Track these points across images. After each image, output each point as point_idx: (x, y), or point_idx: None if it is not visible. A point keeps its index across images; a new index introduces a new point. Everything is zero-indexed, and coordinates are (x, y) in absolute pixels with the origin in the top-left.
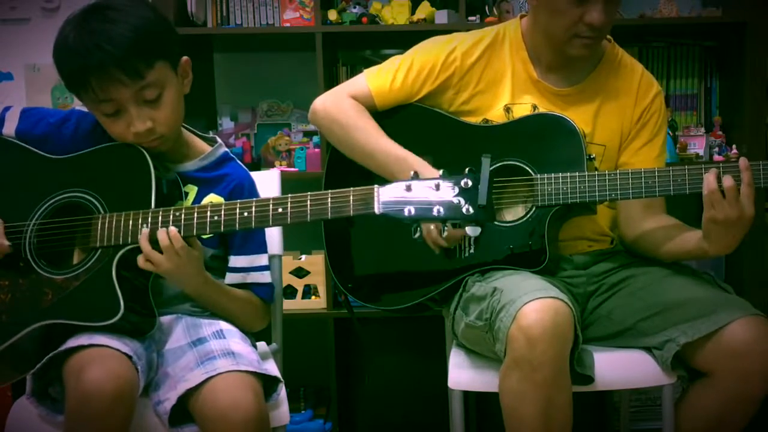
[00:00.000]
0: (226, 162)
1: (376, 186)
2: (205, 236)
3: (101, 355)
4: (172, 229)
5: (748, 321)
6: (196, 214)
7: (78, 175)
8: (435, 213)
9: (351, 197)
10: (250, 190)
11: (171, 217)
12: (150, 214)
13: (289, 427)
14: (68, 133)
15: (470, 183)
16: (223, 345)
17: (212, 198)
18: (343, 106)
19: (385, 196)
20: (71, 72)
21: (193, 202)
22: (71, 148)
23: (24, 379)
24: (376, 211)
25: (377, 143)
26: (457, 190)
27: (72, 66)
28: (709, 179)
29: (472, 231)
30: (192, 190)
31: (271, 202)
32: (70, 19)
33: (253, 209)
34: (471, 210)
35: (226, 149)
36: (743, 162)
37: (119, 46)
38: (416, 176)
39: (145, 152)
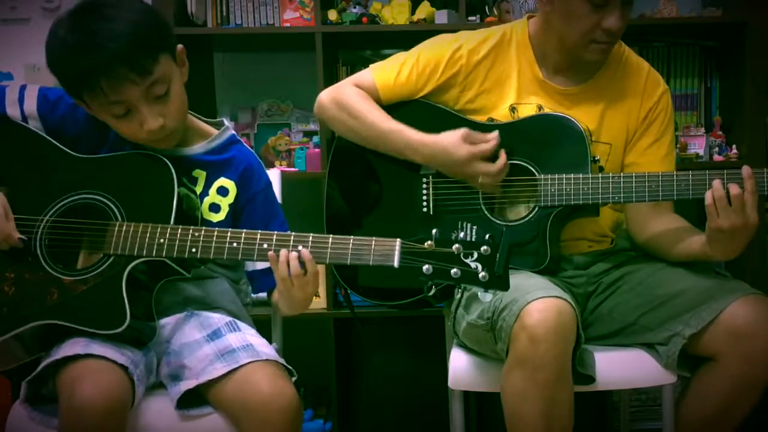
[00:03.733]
0: (232, 144)
1: (398, 240)
2: (215, 219)
3: (95, 368)
4: (293, 257)
5: (748, 300)
6: (215, 239)
7: (98, 178)
8: (452, 274)
9: (372, 247)
10: (260, 172)
11: (189, 236)
12: (168, 230)
13: None
14: (82, 114)
15: (489, 250)
16: (241, 338)
17: (222, 182)
18: (350, 93)
19: (405, 251)
20: (78, 75)
21: (203, 188)
22: (83, 130)
23: (23, 379)
24: (395, 264)
25: (387, 124)
26: (476, 255)
27: (78, 68)
28: (716, 187)
29: (483, 296)
30: (201, 176)
31: (292, 238)
32: (60, 20)
33: (274, 242)
34: (487, 278)
35: (233, 132)
36: (746, 170)
37: (123, 44)
38: (437, 234)
39: (170, 165)
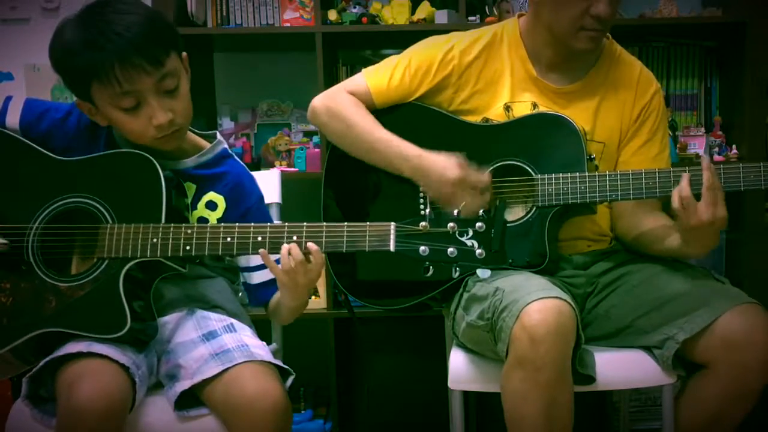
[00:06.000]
0: (225, 159)
1: (392, 223)
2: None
3: (95, 369)
4: (293, 246)
5: (743, 310)
6: (208, 235)
7: (84, 180)
8: (449, 254)
9: (367, 232)
10: (251, 187)
11: (182, 234)
12: (161, 229)
13: None
14: (72, 126)
15: (484, 227)
16: (236, 338)
17: (211, 196)
18: (342, 101)
19: (400, 234)
20: (91, 65)
21: (192, 201)
22: (73, 141)
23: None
24: (391, 248)
25: (377, 136)
26: (471, 233)
27: (91, 58)
28: (683, 185)
29: (482, 273)
30: (190, 189)
31: (286, 228)
32: (69, 19)
33: (267, 234)
34: (484, 254)
35: (226, 146)
36: (705, 162)
37: (138, 34)
38: (432, 215)
39: (155, 162)
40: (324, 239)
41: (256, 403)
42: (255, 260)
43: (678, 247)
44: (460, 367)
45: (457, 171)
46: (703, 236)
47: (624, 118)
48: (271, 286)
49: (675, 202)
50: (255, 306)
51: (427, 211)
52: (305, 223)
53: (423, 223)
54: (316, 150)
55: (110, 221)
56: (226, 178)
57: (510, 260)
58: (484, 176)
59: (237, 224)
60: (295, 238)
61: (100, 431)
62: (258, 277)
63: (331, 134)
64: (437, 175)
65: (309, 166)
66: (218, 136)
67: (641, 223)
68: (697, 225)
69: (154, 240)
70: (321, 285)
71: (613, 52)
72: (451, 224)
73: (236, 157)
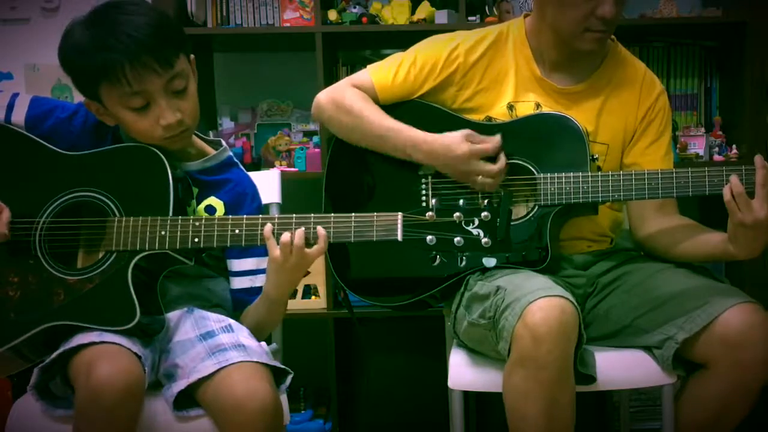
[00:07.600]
0: (230, 167)
1: (399, 213)
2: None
3: (111, 351)
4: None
5: (742, 309)
6: (216, 226)
7: (91, 174)
8: (455, 243)
9: (375, 222)
10: (252, 196)
11: (191, 226)
12: (169, 221)
13: (289, 427)
14: (78, 126)
15: (489, 216)
16: (233, 338)
17: (211, 201)
18: (348, 93)
19: (407, 223)
20: (101, 65)
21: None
22: (78, 141)
23: (23, 379)
24: (399, 238)
25: (387, 124)
26: (477, 222)
27: (101, 58)
28: (734, 182)
29: (487, 262)
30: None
31: (294, 219)
32: (78, 21)
33: (276, 225)
34: (489, 243)
35: (231, 154)
36: (758, 159)
37: (148, 35)
38: (438, 204)
39: (162, 155)
40: (332, 229)
41: (244, 404)
42: (238, 265)
43: (720, 250)
44: (460, 367)
45: (464, 147)
46: (754, 236)
47: (629, 119)
48: (248, 295)
49: (727, 196)
50: (233, 311)
51: (433, 202)
52: (313, 214)
53: (429, 213)
54: (316, 150)
55: (117, 215)
56: (228, 185)
57: (510, 255)
58: (491, 142)
59: (245, 216)
60: (303, 228)
61: (121, 410)
62: (238, 283)
63: (338, 127)
64: (448, 157)
65: (309, 166)
66: (223, 143)
67: (656, 223)
68: (752, 223)
69: (162, 233)
70: (321, 285)
71: (618, 53)
72: (457, 214)
73: (241, 166)
